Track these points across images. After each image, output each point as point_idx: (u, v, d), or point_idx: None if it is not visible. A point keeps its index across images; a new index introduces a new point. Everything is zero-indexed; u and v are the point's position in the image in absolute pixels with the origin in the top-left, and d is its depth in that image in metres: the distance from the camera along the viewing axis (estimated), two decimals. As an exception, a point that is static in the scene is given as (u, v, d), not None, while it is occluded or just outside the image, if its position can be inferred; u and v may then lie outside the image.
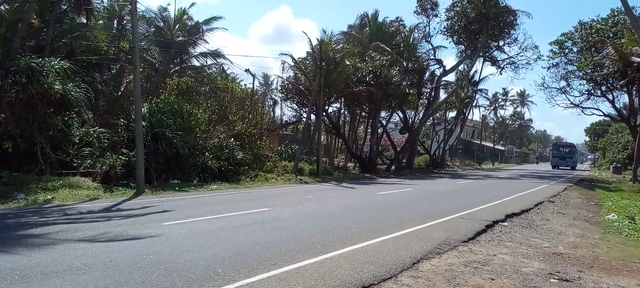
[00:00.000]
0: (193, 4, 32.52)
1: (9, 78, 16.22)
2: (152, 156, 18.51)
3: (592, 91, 37.51)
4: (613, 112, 39.33)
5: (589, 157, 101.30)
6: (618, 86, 33.85)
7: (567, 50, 36.58)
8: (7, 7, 21.02)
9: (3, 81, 15.98)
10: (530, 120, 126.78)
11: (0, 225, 9.62)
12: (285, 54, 33.40)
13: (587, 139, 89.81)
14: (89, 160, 17.90)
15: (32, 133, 16.61)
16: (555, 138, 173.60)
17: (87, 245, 7.55)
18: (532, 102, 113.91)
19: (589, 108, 38.67)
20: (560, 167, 58.91)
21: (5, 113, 16.51)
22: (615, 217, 13.62)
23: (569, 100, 38.65)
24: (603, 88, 36.40)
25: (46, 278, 5.72)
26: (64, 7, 22.31)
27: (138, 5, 18.13)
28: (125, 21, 30.99)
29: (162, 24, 32.38)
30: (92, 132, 19.32)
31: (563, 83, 38.36)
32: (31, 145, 16.86)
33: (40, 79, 15.97)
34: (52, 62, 17.03)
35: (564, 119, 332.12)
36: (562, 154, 61.52)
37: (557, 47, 36.90)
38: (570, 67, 37.06)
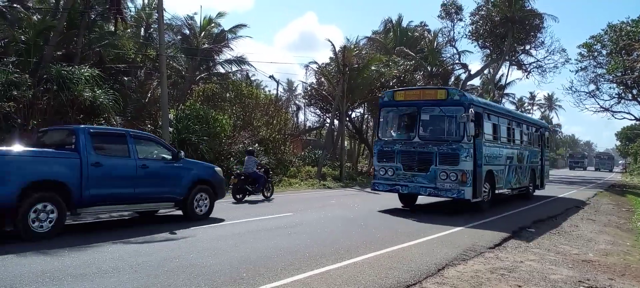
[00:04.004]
0: (220, 13, 32.83)
1: (41, 86, 16.76)
2: (179, 161, 18.74)
3: (623, 94, 36.57)
4: (645, 116, 38.32)
5: (620, 161, 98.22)
6: (650, 90, 32.99)
7: (596, 54, 35.76)
8: (39, 16, 21.70)
9: (35, 89, 16.49)
10: (559, 124, 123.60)
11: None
12: (309, 63, 33.48)
13: (618, 143, 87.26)
14: (117, 165, 18.24)
15: (63, 139, 17.04)
16: (584, 143, 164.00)
17: (115, 248, 7.71)
18: (560, 106, 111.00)
19: (619, 112, 37.77)
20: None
21: (38, 119, 16.98)
22: (648, 224, 13.23)
23: (599, 104, 37.79)
24: (634, 91, 35.44)
25: (76, 280, 5.86)
26: (94, 17, 22.92)
27: (164, 14, 18.48)
28: (152, 29, 31.57)
29: (188, 32, 32.88)
30: (120, 137, 19.67)
31: (592, 87, 37.54)
32: (62, 150, 17.29)
33: (70, 86, 16.41)
34: (82, 70, 17.48)
35: (594, 123, 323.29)
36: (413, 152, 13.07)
37: (585, 50, 36.11)
38: (599, 71, 36.26)
